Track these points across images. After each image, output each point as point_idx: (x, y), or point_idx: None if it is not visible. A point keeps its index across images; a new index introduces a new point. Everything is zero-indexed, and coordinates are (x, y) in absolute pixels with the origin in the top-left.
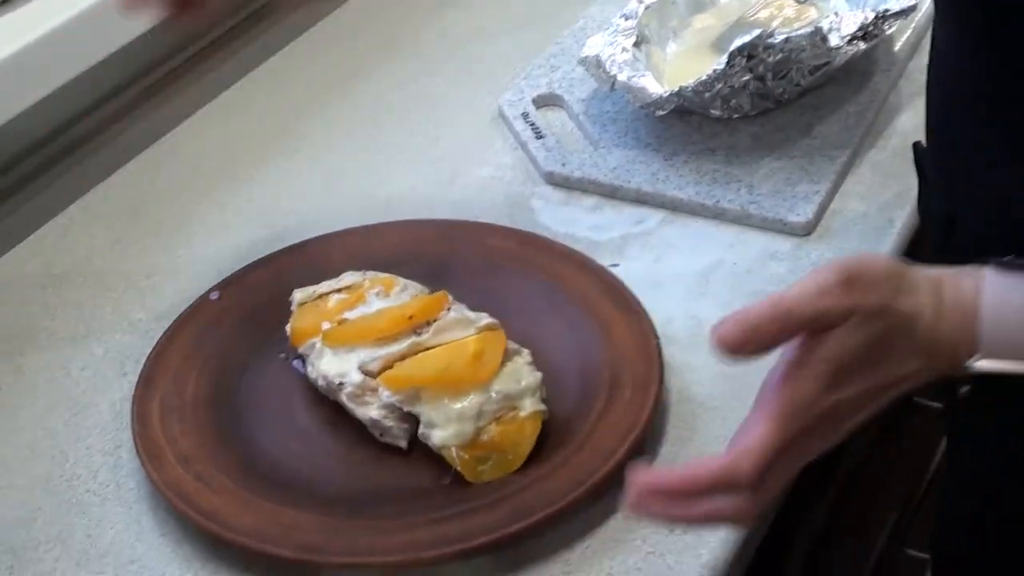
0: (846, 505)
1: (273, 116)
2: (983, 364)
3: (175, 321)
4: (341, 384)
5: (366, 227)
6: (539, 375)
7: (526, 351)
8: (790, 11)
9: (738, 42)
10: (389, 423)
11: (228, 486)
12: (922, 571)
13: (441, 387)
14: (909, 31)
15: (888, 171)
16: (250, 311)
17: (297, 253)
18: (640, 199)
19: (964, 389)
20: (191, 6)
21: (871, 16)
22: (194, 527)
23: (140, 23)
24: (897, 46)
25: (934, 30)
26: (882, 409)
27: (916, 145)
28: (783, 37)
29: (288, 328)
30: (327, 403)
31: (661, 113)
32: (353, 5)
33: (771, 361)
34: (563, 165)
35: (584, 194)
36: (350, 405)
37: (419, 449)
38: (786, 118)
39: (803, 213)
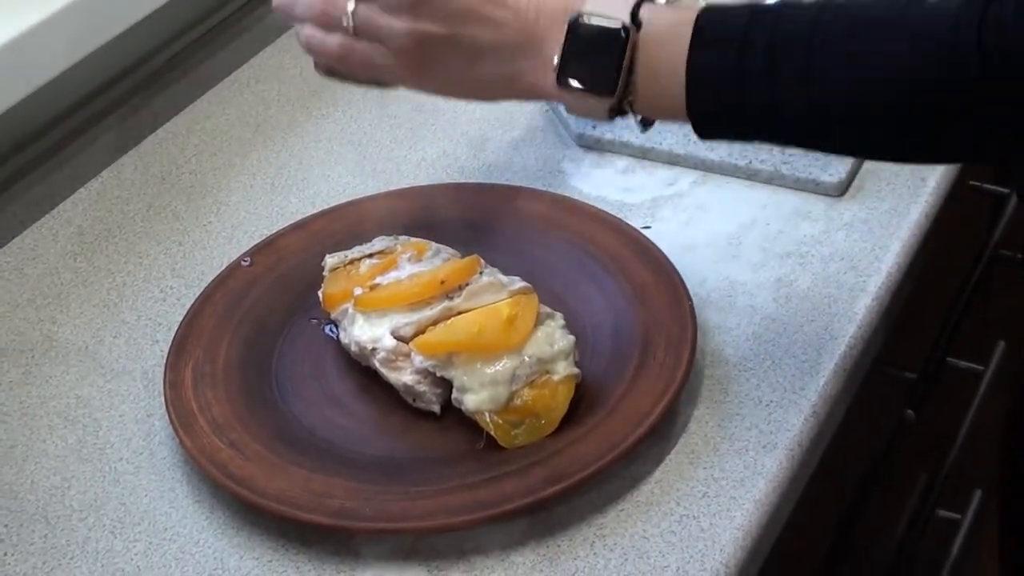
0: (878, 467)
1: (302, 82)
2: (590, 7)
3: (207, 288)
4: (374, 349)
5: (397, 191)
6: (572, 339)
7: (559, 315)
8: None
9: None
10: (422, 388)
11: (261, 453)
12: (954, 532)
13: (474, 352)
14: None
15: None
16: (281, 277)
17: (328, 218)
18: (672, 161)
19: None
20: None
21: None
22: (227, 494)
23: None
24: None
25: None
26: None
27: None
28: None
29: (320, 294)
30: (360, 369)
31: None
32: None
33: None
34: (594, 127)
35: (615, 156)
36: (383, 370)
37: (452, 414)
38: None
39: (836, 173)
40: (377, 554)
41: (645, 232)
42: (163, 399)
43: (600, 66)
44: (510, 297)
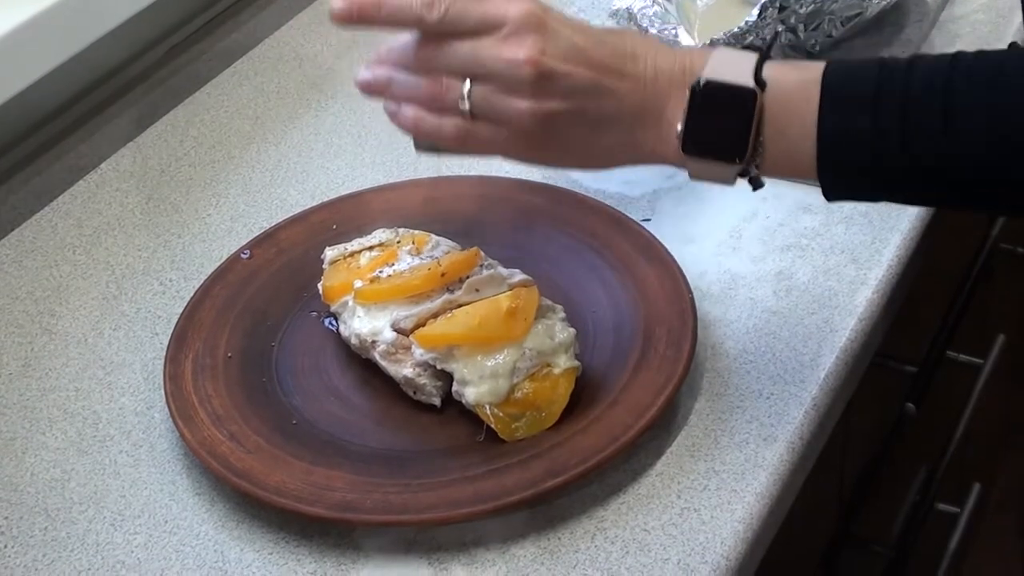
0: (878, 460)
1: (302, 73)
2: (710, 71)
3: (206, 280)
4: (374, 342)
5: (397, 184)
6: (573, 331)
7: (559, 307)
8: None
9: None
10: (422, 381)
11: (261, 445)
12: (952, 525)
13: (475, 344)
14: None
15: None
16: (281, 270)
17: (328, 211)
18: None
19: None
20: None
21: None
22: (228, 487)
23: None
24: None
25: None
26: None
27: (1013, 45)
28: None
29: (320, 286)
30: (360, 361)
31: None
32: None
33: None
34: None
35: None
36: (383, 363)
37: (453, 407)
38: None
39: None
40: (378, 546)
41: (645, 225)
42: (163, 392)
43: (728, 132)
44: (511, 290)
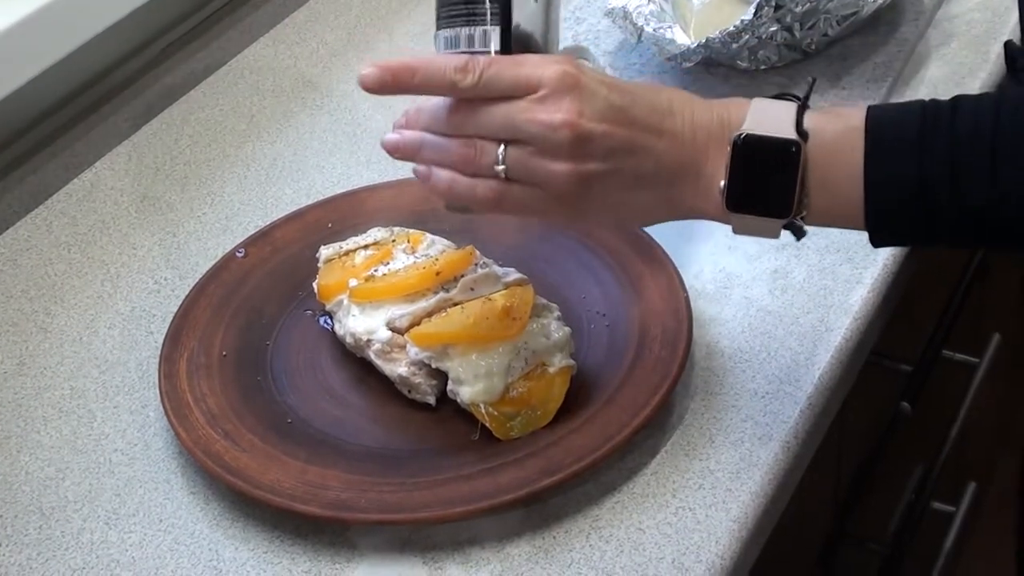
0: (874, 459)
1: (297, 72)
2: (750, 125)
3: (201, 279)
4: (369, 341)
5: (392, 182)
6: (568, 330)
7: (554, 306)
8: None
9: None
10: (417, 380)
11: (256, 444)
12: (947, 524)
13: (470, 343)
14: None
15: None
16: (276, 268)
17: (323, 209)
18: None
19: None
20: None
21: None
22: (223, 485)
23: None
24: None
25: None
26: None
27: (1008, 44)
28: None
29: (315, 285)
30: (355, 360)
31: (688, 65)
32: None
33: (807, 320)
34: None
35: None
36: (378, 362)
37: (448, 406)
38: (813, 69)
39: None
40: (373, 545)
41: None
42: (158, 390)
43: (773, 187)
44: (506, 289)
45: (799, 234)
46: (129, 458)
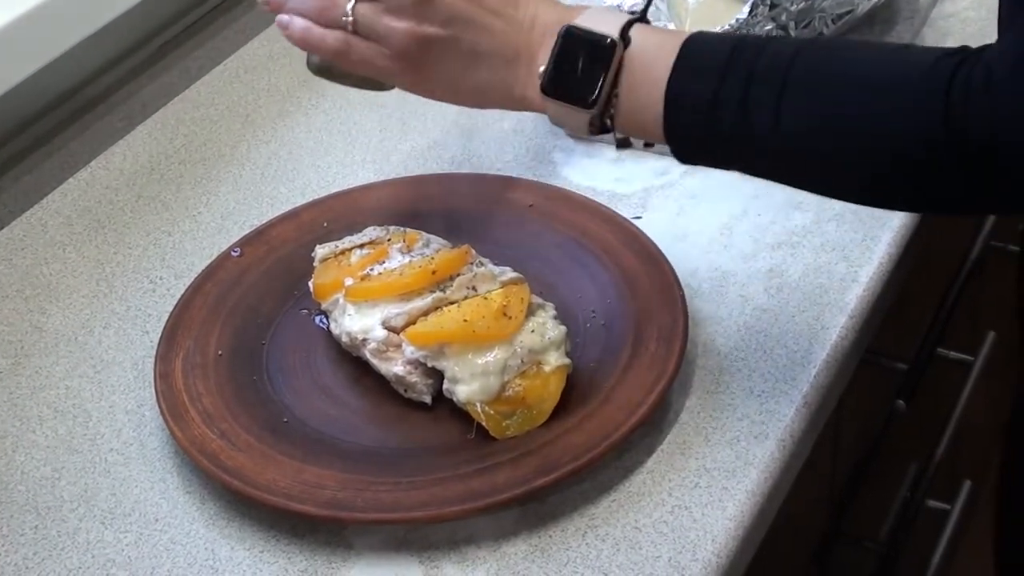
0: (869, 457)
1: (292, 72)
2: (580, 21)
3: (196, 278)
4: (365, 340)
5: (387, 182)
6: (564, 329)
7: (550, 305)
8: None
9: None
10: (413, 379)
11: (252, 443)
12: (943, 522)
13: (466, 342)
14: None
15: None
16: (272, 268)
17: (318, 209)
18: (663, 151)
19: None
20: None
21: None
22: (218, 485)
23: None
24: None
25: None
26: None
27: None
28: None
29: (310, 284)
30: (351, 359)
31: None
32: None
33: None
34: None
35: (606, 146)
36: (374, 361)
37: (443, 405)
38: None
39: None
40: (369, 545)
41: (636, 222)
42: (153, 390)
43: (584, 77)
44: (501, 287)
45: (620, 144)
46: (125, 458)
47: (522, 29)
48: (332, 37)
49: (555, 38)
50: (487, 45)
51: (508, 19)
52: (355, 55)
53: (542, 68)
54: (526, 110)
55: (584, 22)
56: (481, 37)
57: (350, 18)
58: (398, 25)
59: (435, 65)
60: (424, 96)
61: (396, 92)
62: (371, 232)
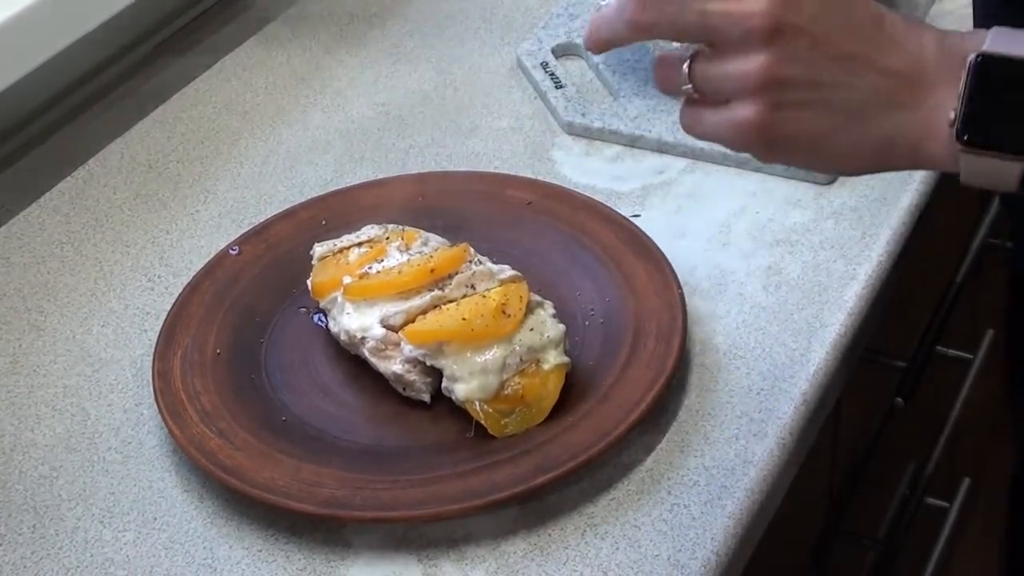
0: (868, 455)
1: (290, 70)
2: (991, 45)
3: (195, 277)
4: (363, 338)
5: (385, 180)
6: (562, 327)
7: (549, 303)
8: None
9: None
10: (412, 377)
11: (250, 442)
12: (941, 520)
13: (464, 340)
14: None
15: None
16: (270, 266)
17: (317, 207)
18: (661, 148)
19: None
20: None
21: None
22: (217, 483)
23: None
24: None
25: None
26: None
27: None
28: None
29: (309, 282)
30: (349, 358)
31: None
32: None
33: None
34: (583, 115)
35: (604, 144)
36: (372, 359)
37: (442, 403)
38: None
39: None
40: (367, 543)
41: (635, 220)
42: (152, 388)
43: (1016, 116)
44: (500, 286)
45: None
46: (123, 456)
47: (907, 64)
48: (682, 113)
49: (960, 73)
50: (863, 88)
51: (887, 51)
52: (705, 125)
53: (952, 113)
54: (920, 167)
55: (997, 46)
56: (854, 79)
57: (688, 85)
58: (748, 65)
59: (793, 122)
60: (784, 162)
61: (395, 90)
62: (369, 230)
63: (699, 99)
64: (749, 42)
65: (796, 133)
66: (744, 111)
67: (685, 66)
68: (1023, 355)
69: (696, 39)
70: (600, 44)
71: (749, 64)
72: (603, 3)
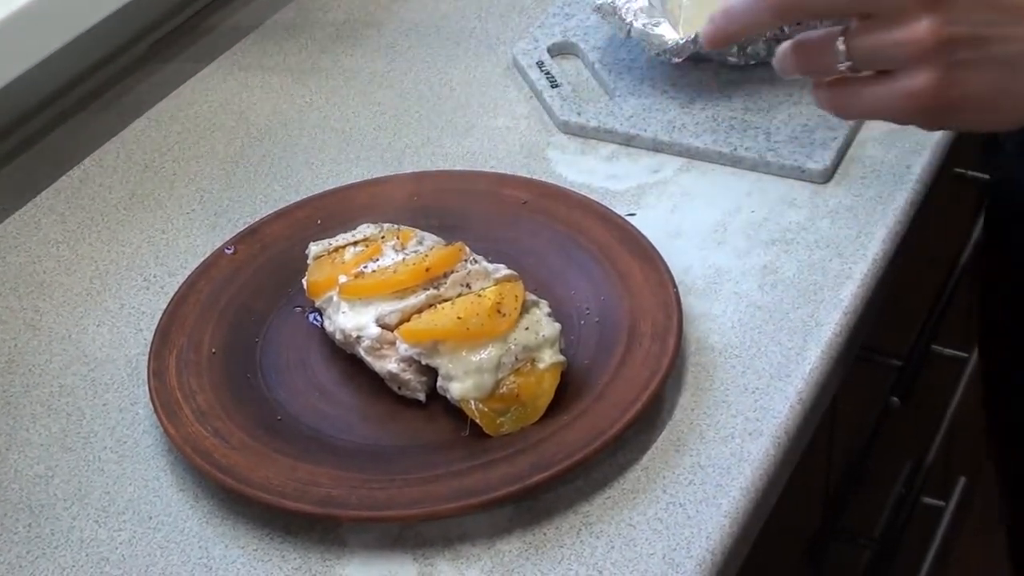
0: (864, 454)
1: (286, 68)
2: None
3: (190, 276)
4: (358, 337)
5: (381, 179)
6: (558, 326)
7: (544, 302)
8: None
9: None
10: (407, 376)
11: (246, 441)
12: (937, 519)
13: (459, 339)
14: None
15: None
16: (265, 265)
17: (312, 206)
18: (657, 148)
19: None
20: None
21: None
22: (212, 483)
23: None
24: None
25: None
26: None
27: None
28: None
29: (304, 282)
30: (344, 357)
31: (677, 60)
32: None
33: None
34: (579, 114)
35: (600, 143)
36: (368, 358)
37: (437, 402)
38: None
39: (821, 160)
40: (363, 542)
41: (630, 219)
42: (147, 387)
43: None
44: (495, 285)
45: None
46: (119, 456)
47: None
48: (832, 95)
49: None
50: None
51: None
52: (867, 101)
53: None
54: None
55: None
56: (1017, 28)
57: (846, 63)
58: (907, 34)
59: (965, 81)
60: (954, 128)
61: (390, 90)
62: (365, 229)
63: (850, 77)
64: (910, 8)
65: (970, 94)
66: (918, 78)
67: (839, 42)
68: (996, 297)
69: (849, 13)
70: (730, 37)
71: (917, 30)
72: (602, 2)
